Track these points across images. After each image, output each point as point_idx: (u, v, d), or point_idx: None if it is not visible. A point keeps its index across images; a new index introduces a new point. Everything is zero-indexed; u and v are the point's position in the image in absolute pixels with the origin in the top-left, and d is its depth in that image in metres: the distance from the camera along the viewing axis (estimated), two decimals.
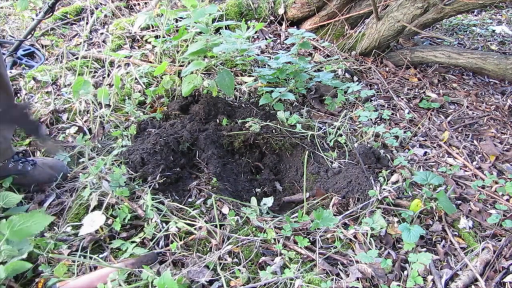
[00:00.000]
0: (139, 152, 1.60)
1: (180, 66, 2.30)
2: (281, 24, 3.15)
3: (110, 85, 2.09)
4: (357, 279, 1.23)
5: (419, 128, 2.25)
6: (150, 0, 3.13)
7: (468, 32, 4.07)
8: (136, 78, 2.17)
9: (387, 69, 2.95)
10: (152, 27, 2.71)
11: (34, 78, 2.12)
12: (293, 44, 2.32)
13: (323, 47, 2.94)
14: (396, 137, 2.04)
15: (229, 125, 1.90)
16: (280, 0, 3.12)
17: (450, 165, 1.97)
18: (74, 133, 1.83)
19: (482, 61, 2.72)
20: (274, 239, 1.35)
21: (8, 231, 1.11)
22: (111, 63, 2.32)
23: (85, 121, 1.91)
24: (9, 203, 1.35)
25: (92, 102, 1.92)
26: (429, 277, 1.30)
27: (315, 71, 2.52)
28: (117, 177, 1.47)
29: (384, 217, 1.46)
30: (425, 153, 2.04)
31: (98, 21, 2.80)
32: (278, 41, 2.97)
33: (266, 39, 2.89)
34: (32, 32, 2.32)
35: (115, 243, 1.29)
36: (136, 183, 1.51)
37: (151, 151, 1.61)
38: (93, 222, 1.30)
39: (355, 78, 2.63)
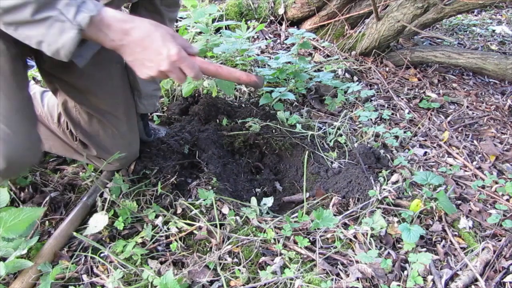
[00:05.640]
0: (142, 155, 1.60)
1: None
2: (281, 24, 3.15)
3: None
4: (357, 279, 1.23)
5: (419, 128, 2.26)
6: None
7: (468, 32, 4.07)
8: None
9: (387, 69, 2.95)
10: None
11: (34, 78, 2.12)
12: (293, 44, 2.32)
13: (323, 47, 2.94)
14: (396, 137, 2.04)
15: (229, 125, 1.90)
16: (280, 0, 3.12)
17: (450, 165, 1.97)
18: None
19: (482, 61, 2.72)
20: (274, 239, 1.35)
21: (2, 229, 1.10)
22: None
23: None
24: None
25: None
26: (429, 277, 1.30)
27: (315, 71, 2.52)
28: (119, 182, 1.47)
29: (384, 217, 1.46)
30: (425, 153, 2.04)
31: None
32: (278, 41, 2.97)
33: (266, 39, 2.89)
34: None
35: (116, 243, 1.29)
36: (138, 185, 1.51)
37: (152, 153, 1.62)
38: (97, 223, 1.31)
39: (355, 78, 2.63)
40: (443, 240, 1.49)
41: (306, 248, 1.33)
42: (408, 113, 2.38)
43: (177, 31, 2.44)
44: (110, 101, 1.37)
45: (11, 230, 1.11)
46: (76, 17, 0.85)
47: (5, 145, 1.01)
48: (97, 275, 1.21)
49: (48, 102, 1.49)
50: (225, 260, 1.27)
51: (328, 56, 2.88)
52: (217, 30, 2.49)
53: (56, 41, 0.86)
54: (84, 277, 1.20)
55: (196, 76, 1.01)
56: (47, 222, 1.40)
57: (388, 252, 1.38)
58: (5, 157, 1.01)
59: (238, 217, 1.42)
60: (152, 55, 0.96)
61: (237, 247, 1.30)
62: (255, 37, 2.93)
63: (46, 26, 0.84)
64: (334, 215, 1.48)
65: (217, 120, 1.94)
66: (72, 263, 1.22)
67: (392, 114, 2.37)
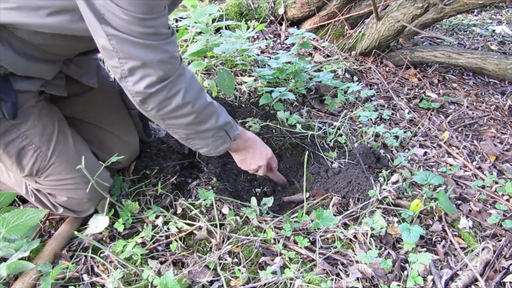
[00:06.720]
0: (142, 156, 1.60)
1: None
2: (281, 24, 3.15)
3: None
4: (357, 279, 1.23)
5: (419, 128, 2.26)
6: None
7: (468, 32, 4.07)
8: None
9: (387, 69, 2.95)
10: None
11: None
12: (293, 44, 2.32)
13: (323, 47, 2.94)
14: (396, 137, 2.04)
15: None
16: (280, 0, 3.12)
17: (450, 165, 1.97)
18: None
19: (482, 61, 2.72)
20: (274, 239, 1.35)
21: (4, 229, 1.09)
22: None
23: None
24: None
25: None
26: (429, 277, 1.30)
27: (315, 71, 2.52)
28: (119, 182, 1.47)
29: (384, 217, 1.46)
30: (425, 153, 2.04)
31: None
32: (278, 41, 2.97)
33: (266, 39, 2.89)
34: None
35: (116, 243, 1.29)
36: (138, 185, 1.51)
37: (152, 153, 1.62)
38: (98, 223, 1.31)
39: (355, 78, 2.63)
40: (443, 240, 1.49)
41: (306, 248, 1.33)
42: (408, 113, 2.38)
43: (177, 31, 2.44)
44: (105, 108, 1.43)
45: (13, 231, 1.11)
46: (234, 134, 1.28)
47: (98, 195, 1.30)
48: (97, 275, 1.21)
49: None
50: (225, 260, 1.27)
51: (328, 56, 2.88)
52: (217, 30, 2.49)
53: (215, 149, 1.26)
54: (85, 277, 1.20)
55: (275, 167, 1.58)
56: (47, 222, 1.40)
57: (388, 252, 1.38)
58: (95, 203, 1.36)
59: (238, 217, 1.42)
60: (257, 155, 1.42)
61: (237, 247, 1.30)
62: (255, 37, 2.92)
63: (213, 140, 1.23)
64: (334, 215, 1.48)
65: None
66: (72, 263, 1.22)
67: (392, 114, 2.37)
